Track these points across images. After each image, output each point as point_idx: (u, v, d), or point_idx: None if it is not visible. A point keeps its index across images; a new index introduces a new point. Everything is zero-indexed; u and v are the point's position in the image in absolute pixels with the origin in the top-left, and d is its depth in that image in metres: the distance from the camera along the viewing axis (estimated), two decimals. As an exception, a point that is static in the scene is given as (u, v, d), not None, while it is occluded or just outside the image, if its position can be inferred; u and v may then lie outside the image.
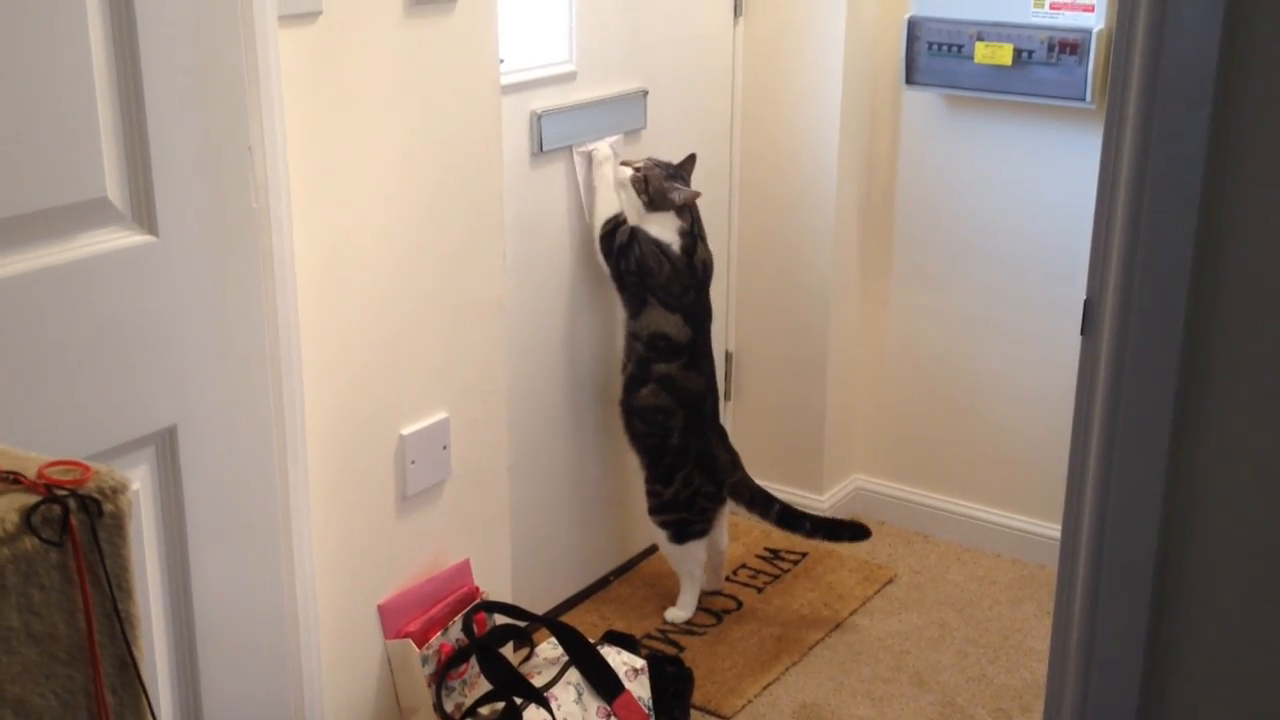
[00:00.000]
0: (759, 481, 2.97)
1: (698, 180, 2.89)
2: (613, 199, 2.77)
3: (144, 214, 1.61)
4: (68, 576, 1.00)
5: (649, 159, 2.79)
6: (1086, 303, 1.48)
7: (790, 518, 2.94)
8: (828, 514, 3.27)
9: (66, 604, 1.01)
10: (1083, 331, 1.49)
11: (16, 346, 1.50)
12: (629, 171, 2.77)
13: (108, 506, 1.02)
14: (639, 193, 2.75)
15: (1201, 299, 1.37)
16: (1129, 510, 1.46)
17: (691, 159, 2.83)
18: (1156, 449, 1.41)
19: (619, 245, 2.74)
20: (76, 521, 0.99)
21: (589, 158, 2.78)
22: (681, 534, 2.88)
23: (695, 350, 2.82)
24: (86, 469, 1.02)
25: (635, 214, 2.77)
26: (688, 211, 2.78)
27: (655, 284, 2.75)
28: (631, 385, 2.82)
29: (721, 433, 2.93)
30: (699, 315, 2.82)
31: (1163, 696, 1.52)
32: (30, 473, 1.01)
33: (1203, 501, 1.43)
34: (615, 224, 2.76)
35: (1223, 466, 1.42)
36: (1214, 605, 1.47)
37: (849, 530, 2.98)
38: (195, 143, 1.65)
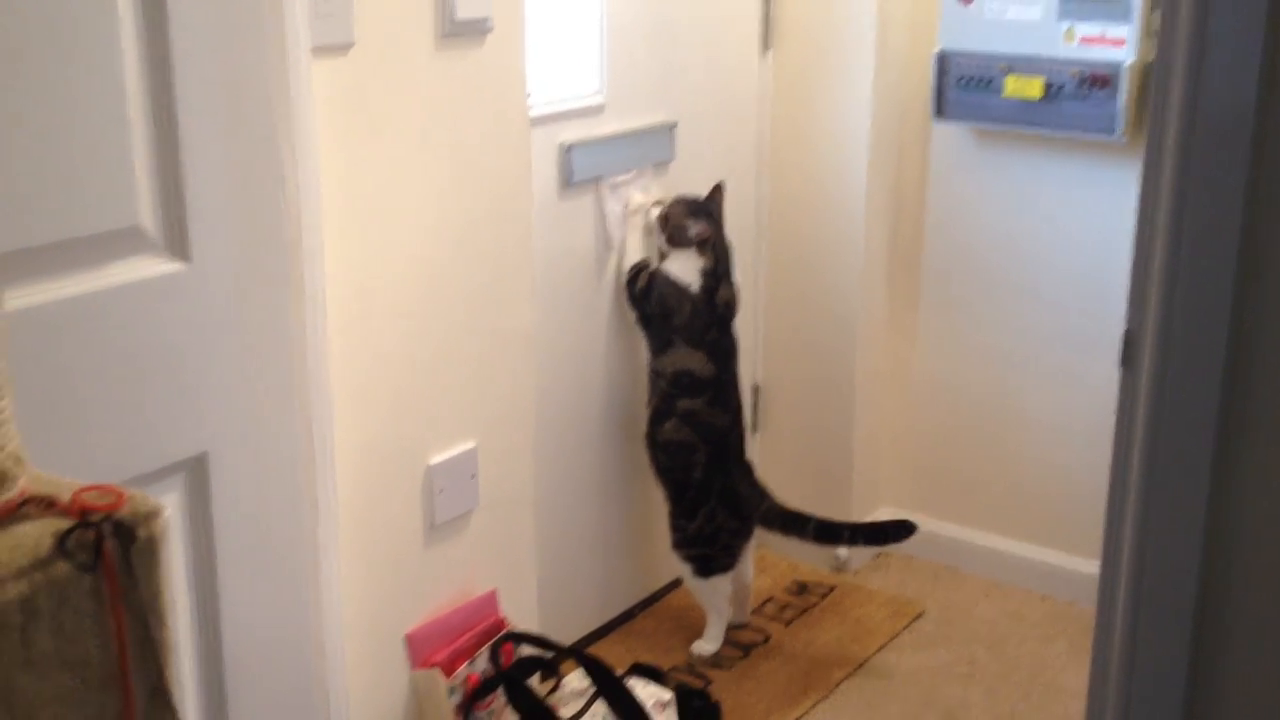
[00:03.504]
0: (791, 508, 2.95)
1: (725, 212, 2.89)
2: (641, 247, 2.79)
3: (176, 242, 1.62)
4: (101, 602, 0.99)
5: (677, 196, 2.80)
6: (1126, 334, 1.46)
7: (828, 531, 2.89)
8: (854, 548, 3.25)
9: (99, 630, 1.00)
10: (1122, 364, 1.47)
11: (50, 373, 1.50)
12: (656, 211, 2.79)
13: (141, 532, 1.01)
14: (661, 230, 2.77)
15: (1243, 330, 1.36)
16: (1169, 547, 1.44)
17: (718, 189, 2.83)
18: (1198, 483, 1.39)
19: (640, 290, 2.77)
20: (110, 547, 0.99)
21: (617, 192, 2.79)
22: (706, 568, 2.86)
23: (720, 387, 2.81)
24: (120, 494, 1.02)
25: (659, 253, 2.79)
26: (709, 249, 2.77)
27: (679, 323, 2.75)
28: (656, 419, 2.82)
29: (747, 468, 2.91)
30: (723, 352, 2.82)
31: (1202, 735, 1.50)
32: (64, 497, 1.01)
33: (1245, 538, 1.41)
34: (639, 269, 2.78)
35: (1266, 502, 1.40)
36: (1256, 645, 1.45)
37: (892, 530, 2.90)
38: (228, 172, 1.66)
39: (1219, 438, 1.39)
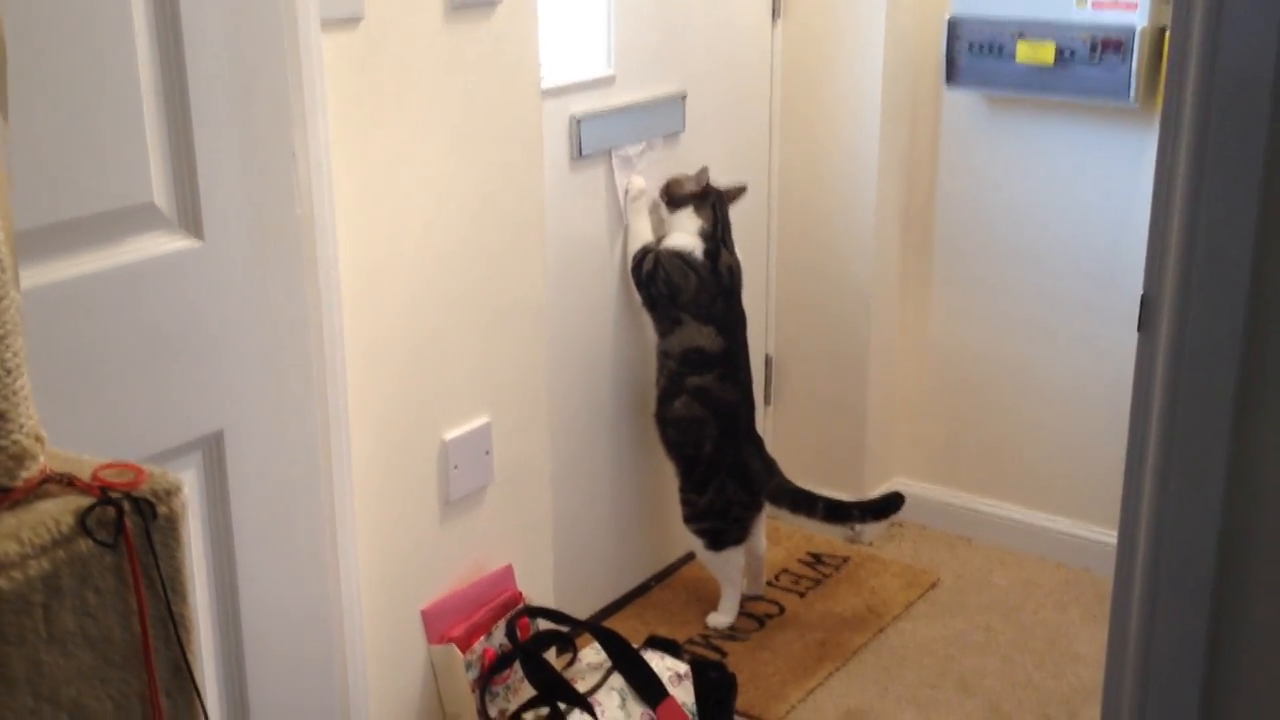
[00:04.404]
0: (800, 485, 2.95)
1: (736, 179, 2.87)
2: (644, 231, 2.79)
3: (190, 219, 1.62)
4: (122, 579, 1.00)
5: (671, 177, 2.83)
6: (1144, 298, 1.45)
7: (837, 510, 2.91)
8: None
9: (121, 607, 1.00)
10: (1140, 327, 1.46)
11: (65, 351, 1.50)
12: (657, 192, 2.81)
13: (161, 509, 1.01)
14: (662, 198, 2.79)
15: (1262, 293, 1.35)
16: (1188, 514, 1.43)
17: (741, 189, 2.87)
18: (1216, 448, 1.39)
19: (646, 272, 2.76)
20: (131, 523, 0.99)
21: (626, 164, 2.78)
22: (717, 542, 2.87)
23: (730, 360, 2.81)
24: (140, 471, 1.02)
25: (660, 222, 2.79)
26: (708, 207, 2.77)
27: (685, 299, 2.75)
28: (665, 397, 2.82)
29: (757, 441, 2.91)
30: (731, 324, 2.81)
31: (1222, 706, 1.49)
32: (84, 475, 1.01)
33: (1265, 502, 1.41)
34: (643, 253, 2.78)
35: (1285, 465, 1.40)
36: (1277, 613, 1.44)
37: (887, 502, 2.94)
38: (240, 148, 1.65)
39: (1238, 402, 1.38)
